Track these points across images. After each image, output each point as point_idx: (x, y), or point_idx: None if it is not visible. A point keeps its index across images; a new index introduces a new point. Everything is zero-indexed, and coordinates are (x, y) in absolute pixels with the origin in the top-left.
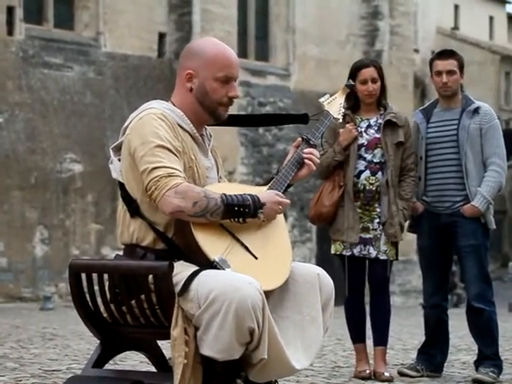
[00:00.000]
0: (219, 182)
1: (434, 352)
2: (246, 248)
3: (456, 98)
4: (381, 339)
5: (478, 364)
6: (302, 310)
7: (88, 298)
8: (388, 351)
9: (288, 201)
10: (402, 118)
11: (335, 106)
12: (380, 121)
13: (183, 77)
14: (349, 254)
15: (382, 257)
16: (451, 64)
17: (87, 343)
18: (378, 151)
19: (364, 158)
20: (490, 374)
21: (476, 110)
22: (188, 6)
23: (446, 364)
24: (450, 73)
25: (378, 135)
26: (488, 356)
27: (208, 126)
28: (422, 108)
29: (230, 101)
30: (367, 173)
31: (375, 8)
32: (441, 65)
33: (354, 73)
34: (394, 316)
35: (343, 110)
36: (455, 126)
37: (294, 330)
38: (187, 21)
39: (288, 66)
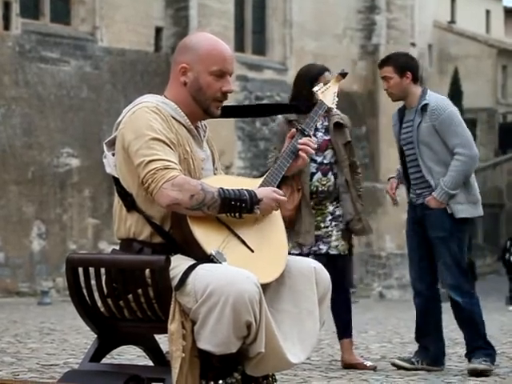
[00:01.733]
0: (215, 173)
1: (427, 344)
2: (243, 241)
3: (413, 98)
4: (346, 331)
5: (469, 356)
6: (298, 303)
7: (85, 293)
8: (385, 345)
9: (285, 198)
10: (345, 119)
11: (329, 95)
12: (326, 123)
13: (177, 71)
14: (297, 252)
15: (333, 252)
16: (384, 71)
17: (84, 337)
18: (328, 152)
19: (315, 161)
20: (483, 363)
21: (424, 108)
22: (185, 1)
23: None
24: (385, 79)
25: (326, 137)
26: (477, 347)
27: None
28: (398, 108)
29: (223, 96)
30: (319, 174)
31: (372, 2)
32: (379, 73)
33: (317, 76)
34: (391, 310)
35: (337, 99)
36: (411, 128)
37: (290, 324)
38: (184, 15)
39: (285, 60)
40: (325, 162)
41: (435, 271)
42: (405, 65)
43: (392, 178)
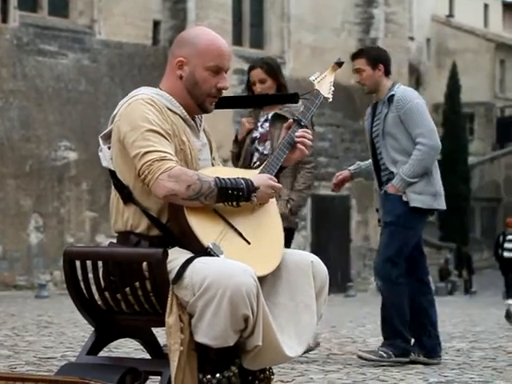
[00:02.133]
0: (213, 162)
1: (420, 336)
2: (239, 233)
3: (384, 90)
4: None
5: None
6: (295, 296)
7: (82, 286)
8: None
9: (280, 185)
10: (294, 112)
11: (325, 84)
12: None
13: (174, 64)
14: None
15: None
16: (356, 63)
17: (82, 331)
18: (268, 143)
19: (258, 150)
20: (380, 353)
21: (390, 99)
22: None
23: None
24: (357, 71)
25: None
26: (385, 336)
27: None
28: (373, 103)
29: (218, 92)
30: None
31: None
32: (352, 65)
33: (248, 73)
34: None
35: (333, 89)
36: (379, 120)
37: (287, 317)
38: (182, 8)
39: (283, 54)
40: (265, 152)
41: (417, 264)
42: (377, 57)
43: (348, 169)
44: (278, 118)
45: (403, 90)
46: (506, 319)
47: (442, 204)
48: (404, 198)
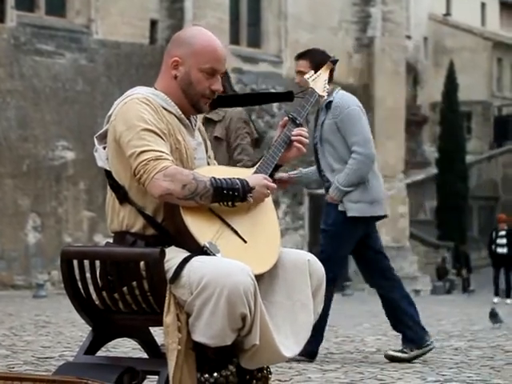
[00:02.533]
0: (208, 162)
1: (403, 331)
2: (236, 232)
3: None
4: None
5: None
6: (291, 295)
7: (80, 285)
8: (380, 337)
9: (274, 185)
10: (219, 114)
11: (320, 82)
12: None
13: (169, 64)
14: None
15: None
16: (300, 65)
17: (80, 330)
18: None
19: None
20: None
21: (328, 105)
22: None
23: (437, 350)
24: (299, 73)
25: None
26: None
27: None
28: (317, 108)
29: (212, 93)
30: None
31: None
32: (295, 65)
33: None
34: None
35: (328, 87)
36: (318, 127)
37: (283, 316)
38: (179, 8)
39: (280, 53)
40: None
41: (377, 264)
42: (321, 62)
43: (288, 173)
44: (207, 122)
45: (341, 97)
46: (490, 319)
47: (380, 210)
48: (340, 208)
